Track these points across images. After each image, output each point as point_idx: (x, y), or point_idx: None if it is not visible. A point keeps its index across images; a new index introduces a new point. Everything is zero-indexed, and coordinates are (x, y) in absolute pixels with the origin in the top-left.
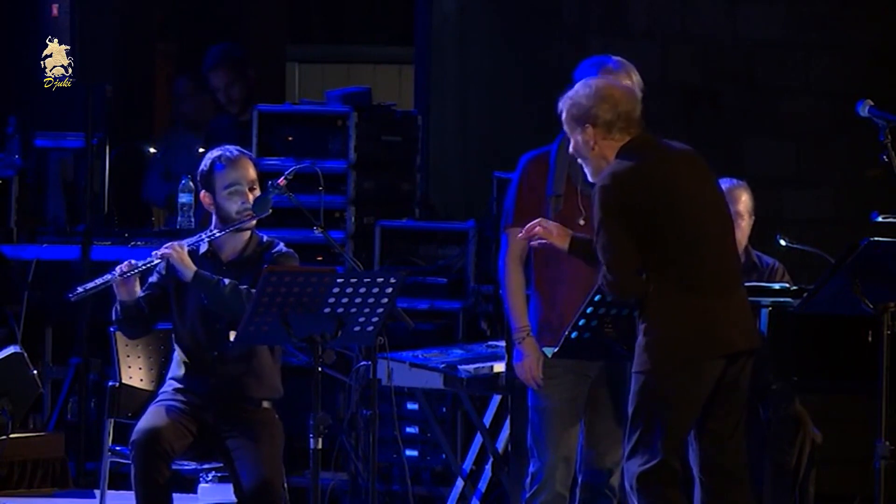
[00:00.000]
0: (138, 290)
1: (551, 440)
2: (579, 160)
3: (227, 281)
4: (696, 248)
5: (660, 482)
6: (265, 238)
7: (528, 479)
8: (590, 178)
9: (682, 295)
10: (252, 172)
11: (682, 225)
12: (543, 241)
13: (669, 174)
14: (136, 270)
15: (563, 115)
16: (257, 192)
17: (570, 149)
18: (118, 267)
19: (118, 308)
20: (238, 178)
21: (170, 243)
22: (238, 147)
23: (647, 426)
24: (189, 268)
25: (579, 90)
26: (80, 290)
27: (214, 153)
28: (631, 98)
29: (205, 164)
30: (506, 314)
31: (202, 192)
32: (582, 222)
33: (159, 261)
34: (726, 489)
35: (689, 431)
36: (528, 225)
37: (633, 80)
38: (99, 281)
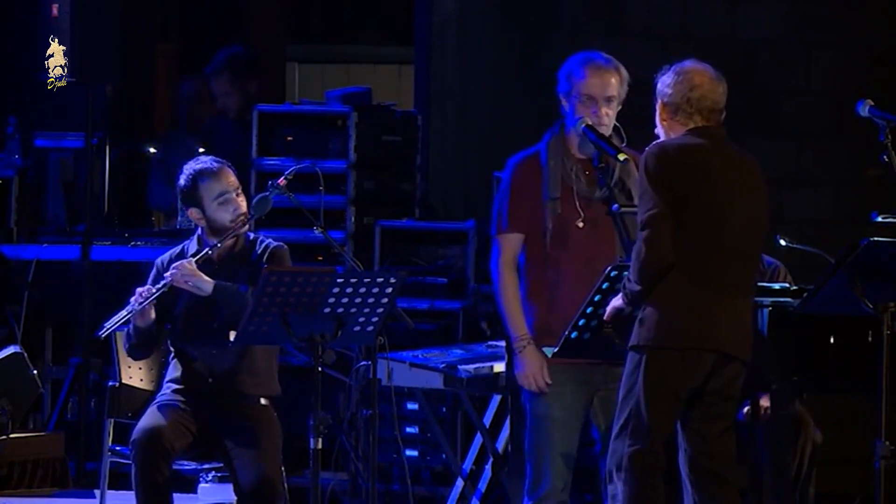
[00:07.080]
0: (153, 315)
1: (553, 449)
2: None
3: (246, 287)
4: (716, 245)
5: (646, 467)
6: (251, 235)
7: (529, 485)
8: None
9: (688, 285)
10: (234, 179)
11: (706, 218)
12: None
13: (714, 167)
14: (152, 297)
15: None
16: (243, 197)
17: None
18: (135, 297)
19: (132, 333)
20: (225, 187)
21: (177, 263)
22: (213, 157)
23: (637, 407)
24: (207, 281)
25: (673, 68)
26: (106, 325)
27: (191, 169)
28: (710, 89)
29: (185, 181)
30: (503, 322)
31: (189, 210)
32: (581, 224)
33: (171, 281)
34: (714, 490)
35: (675, 419)
36: None
37: (621, 76)
38: (123, 313)
